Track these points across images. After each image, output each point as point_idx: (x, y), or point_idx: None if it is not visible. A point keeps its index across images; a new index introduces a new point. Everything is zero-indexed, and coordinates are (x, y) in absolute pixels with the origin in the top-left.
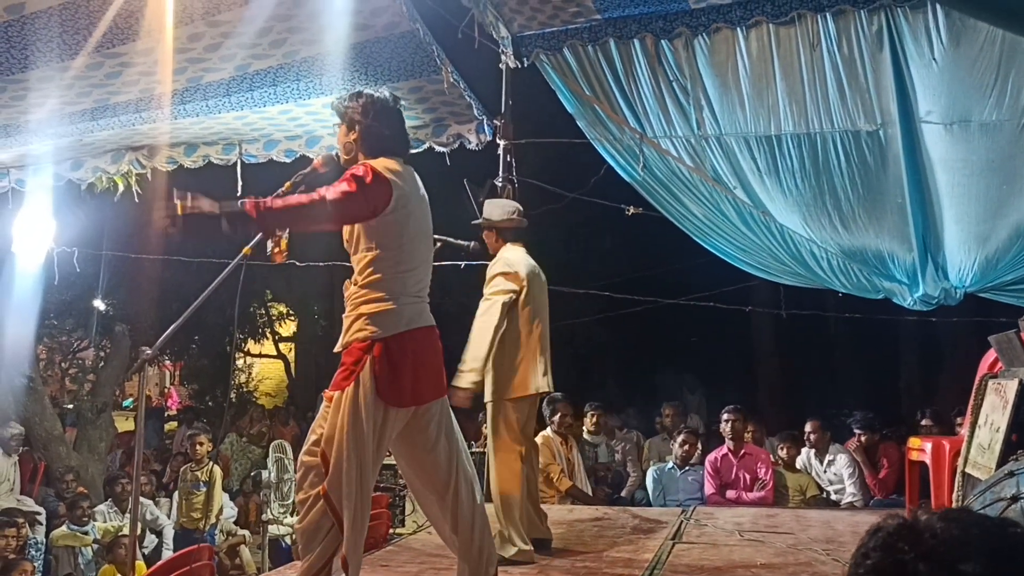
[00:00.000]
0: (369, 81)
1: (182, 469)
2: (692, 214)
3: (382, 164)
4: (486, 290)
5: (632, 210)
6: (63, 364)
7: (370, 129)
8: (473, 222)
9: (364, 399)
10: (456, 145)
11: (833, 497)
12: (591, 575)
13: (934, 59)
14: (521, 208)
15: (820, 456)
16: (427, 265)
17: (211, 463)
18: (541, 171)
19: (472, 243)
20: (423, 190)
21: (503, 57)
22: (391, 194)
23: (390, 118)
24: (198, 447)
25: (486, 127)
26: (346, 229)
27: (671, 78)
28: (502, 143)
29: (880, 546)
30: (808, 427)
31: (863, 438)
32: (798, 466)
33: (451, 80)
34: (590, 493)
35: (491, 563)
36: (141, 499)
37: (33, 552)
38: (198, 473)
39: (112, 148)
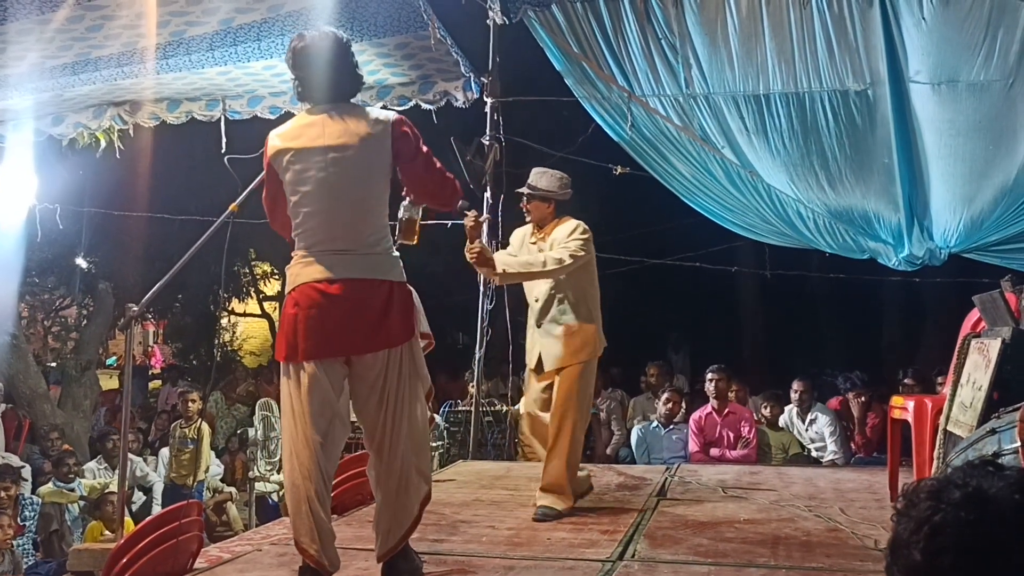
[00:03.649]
0: (355, 36)
1: (172, 426)
2: (680, 174)
3: (278, 129)
4: (570, 243)
5: (619, 169)
6: (45, 322)
7: (298, 77)
8: (523, 191)
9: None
10: (443, 103)
11: (815, 455)
12: (577, 530)
13: (923, 18)
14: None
15: (802, 415)
16: (327, 220)
17: (200, 420)
18: (528, 129)
19: (461, 202)
20: (345, 137)
21: (491, 13)
22: (266, 157)
23: (296, 62)
24: (190, 404)
25: (473, 84)
26: None
27: (660, 36)
28: (489, 101)
29: (953, 521)
30: (796, 385)
31: (861, 397)
32: (781, 424)
33: (438, 36)
34: None
35: (402, 526)
36: (131, 456)
37: (28, 512)
38: (186, 430)
39: (94, 103)
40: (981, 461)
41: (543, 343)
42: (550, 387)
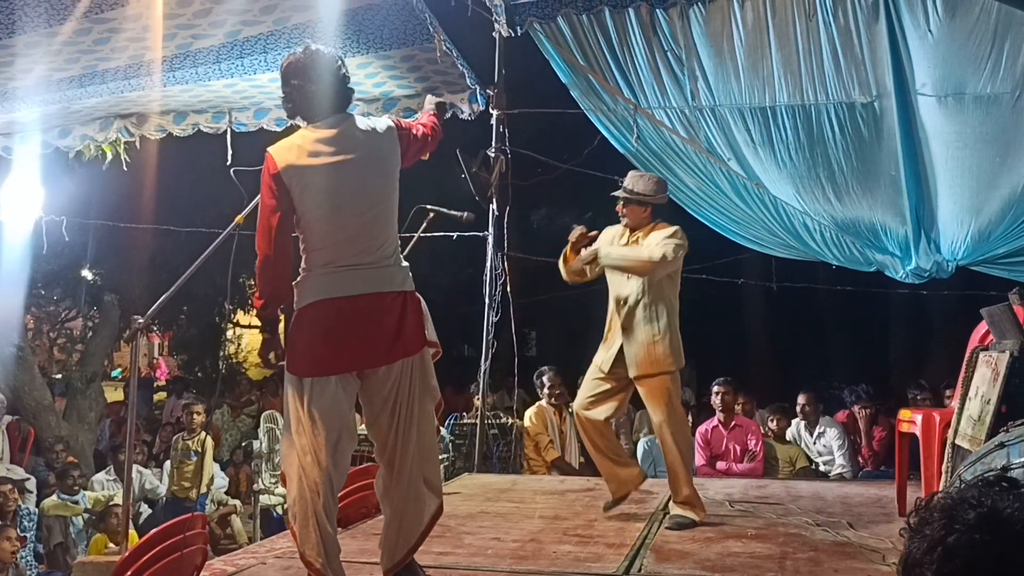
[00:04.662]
0: (361, 48)
1: (174, 438)
2: (686, 185)
3: (281, 144)
4: (670, 242)
5: None
6: (51, 334)
7: (288, 95)
8: (619, 195)
9: (287, 371)
10: (449, 115)
11: (822, 468)
12: (583, 543)
13: (930, 30)
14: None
15: (810, 428)
16: (348, 236)
17: (203, 433)
18: (534, 141)
19: (466, 213)
20: (361, 149)
21: (496, 25)
22: (273, 175)
23: (284, 80)
24: (195, 416)
25: (479, 97)
26: None
27: (666, 48)
28: (495, 113)
29: (968, 544)
30: (801, 399)
31: (867, 410)
32: (788, 438)
33: (444, 49)
34: (576, 466)
35: (409, 540)
36: (140, 468)
37: (26, 523)
38: (189, 442)
39: (100, 116)
40: (995, 477)
41: (628, 348)
42: (609, 392)
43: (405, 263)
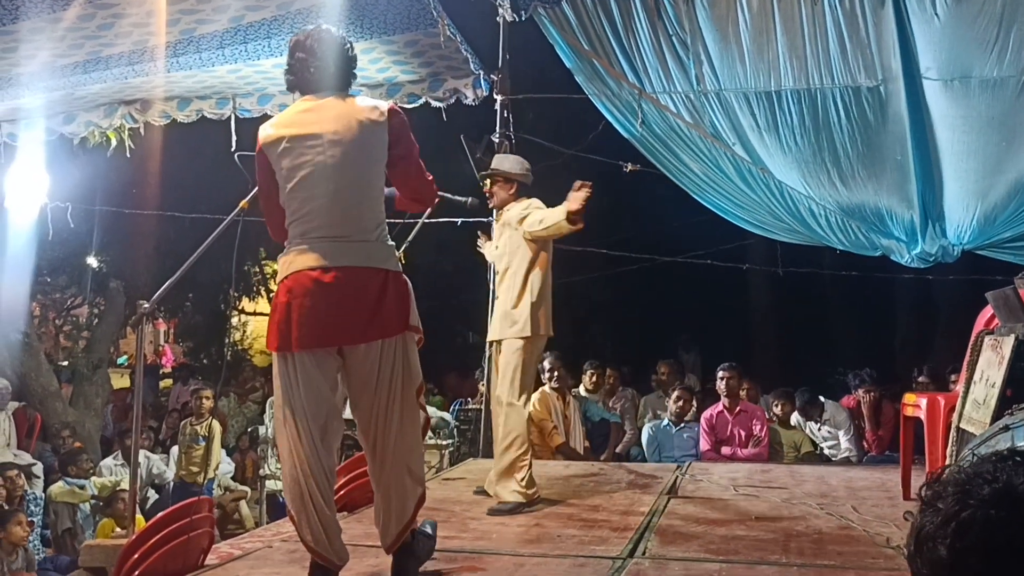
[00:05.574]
0: (365, 33)
1: (182, 423)
2: (691, 171)
3: (269, 121)
4: (530, 217)
5: (630, 167)
6: (57, 321)
7: (291, 67)
8: (484, 173)
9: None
10: (453, 100)
11: (827, 453)
12: (587, 527)
13: (936, 14)
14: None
15: (815, 417)
16: (325, 205)
17: (211, 418)
18: (538, 127)
19: (470, 199)
20: (340, 123)
21: (500, 10)
22: (258, 148)
23: (290, 52)
24: (204, 401)
25: (483, 82)
26: None
27: (671, 32)
28: (499, 98)
29: (982, 519)
30: (797, 398)
31: (871, 394)
32: (792, 423)
33: (448, 34)
34: (582, 451)
35: (400, 522)
36: (147, 454)
37: (33, 508)
38: (197, 428)
39: (105, 102)
40: (1009, 451)
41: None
42: None
43: (391, 242)
